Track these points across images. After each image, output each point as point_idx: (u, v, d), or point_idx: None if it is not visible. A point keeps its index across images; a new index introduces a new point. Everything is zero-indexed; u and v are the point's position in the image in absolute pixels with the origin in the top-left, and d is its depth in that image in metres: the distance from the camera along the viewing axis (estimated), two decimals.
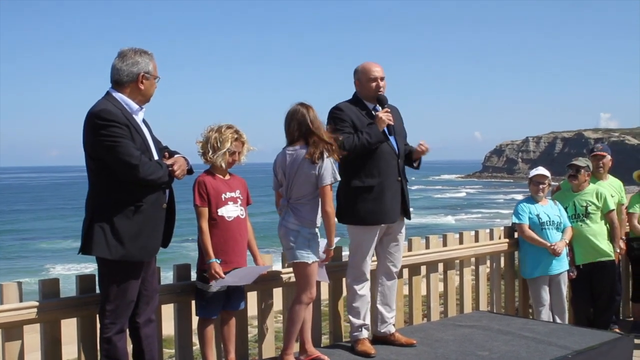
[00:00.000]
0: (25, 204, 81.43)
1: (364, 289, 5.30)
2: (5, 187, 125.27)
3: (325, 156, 4.69)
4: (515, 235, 7.12)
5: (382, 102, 5.24)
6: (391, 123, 5.16)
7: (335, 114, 5.15)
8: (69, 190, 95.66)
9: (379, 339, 5.45)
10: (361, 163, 5.14)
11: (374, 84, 5.22)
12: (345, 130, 5.05)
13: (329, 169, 4.71)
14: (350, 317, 5.33)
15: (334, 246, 4.88)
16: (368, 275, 5.32)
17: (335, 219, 4.91)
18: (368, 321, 5.35)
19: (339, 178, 4.77)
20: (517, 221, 6.92)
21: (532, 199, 6.98)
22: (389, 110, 5.19)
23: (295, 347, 5.07)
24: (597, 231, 6.99)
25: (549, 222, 6.83)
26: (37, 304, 4.09)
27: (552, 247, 6.73)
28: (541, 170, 7.07)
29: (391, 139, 5.24)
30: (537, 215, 6.84)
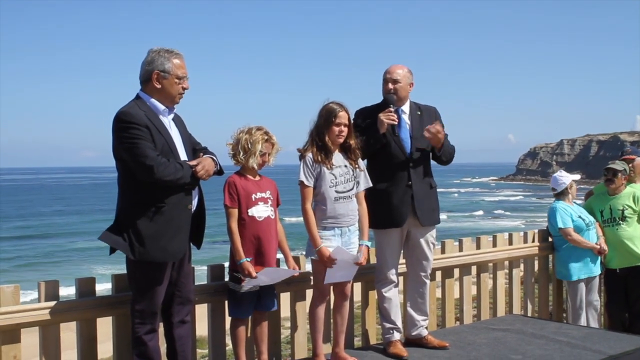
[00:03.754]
0: (63, 204, 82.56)
1: (390, 292, 5.31)
2: (42, 187, 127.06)
3: (306, 155, 4.89)
4: (550, 238, 7.06)
5: (388, 102, 5.24)
6: (392, 123, 5.15)
7: (353, 118, 5.18)
8: (106, 190, 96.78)
9: (411, 342, 5.45)
10: (373, 167, 5.20)
11: (385, 86, 5.28)
12: (357, 135, 5.11)
13: (300, 167, 4.86)
14: (382, 320, 5.35)
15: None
16: (394, 278, 5.33)
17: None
18: (399, 323, 5.35)
19: (300, 178, 4.83)
20: (562, 225, 6.82)
21: (564, 201, 6.94)
22: (392, 110, 5.18)
23: (328, 348, 5.11)
24: (633, 235, 6.90)
25: (590, 222, 6.87)
26: (73, 302, 4.17)
27: (599, 245, 6.76)
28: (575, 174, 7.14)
29: (406, 142, 5.25)
30: (580, 217, 6.82)
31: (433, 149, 5.30)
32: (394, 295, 5.34)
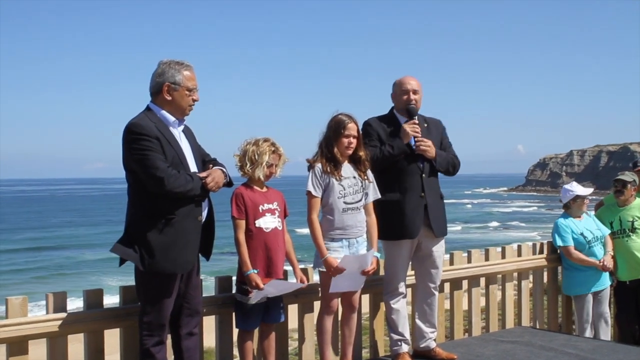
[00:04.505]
0: (73, 215, 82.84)
1: (398, 303, 5.29)
2: (52, 198, 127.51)
3: (315, 165, 4.89)
4: (559, 251, 7.03)
5: (411, 113, 5.23)
6: (417, 135, 5.15)
7: (364, 129, 5.18)
8: (116, 202, 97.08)
9: (419, 354, 5.43)
10: (384, 178, 5.16)
11: (405, 97, 5.24)
12: (371, 144, 5.11)
13: (309, 177, 4.86)
14: (390, 332, 5.33)
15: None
16: (403, 290, 5.31)
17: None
18: (407, 335, 5.33)
19: (307, 188, 4.83)
20: (561, 243, 6.78)
21: (569, 215, 6.88)
22: (417, 122, 5.18)
23: None
24: None
25: (594, 238, 6.73)
26: (81, 314, 4.17)
27: (602, 263, 6.65)
28: (588, 188, 7.01)
29: (417, 153, 5.22)
30: (582, 234, 6.73)
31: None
32: (402, 307, 5.33)
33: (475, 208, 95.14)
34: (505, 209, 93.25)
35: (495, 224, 69.60)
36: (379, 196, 5.08)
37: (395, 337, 5.29)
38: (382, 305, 5.64)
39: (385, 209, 5.13)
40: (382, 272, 5.44)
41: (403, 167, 5.19)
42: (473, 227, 65.21)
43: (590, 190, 7.08)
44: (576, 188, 6.94)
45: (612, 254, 6.80)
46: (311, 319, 5.25)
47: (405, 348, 5.30)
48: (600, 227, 6.88)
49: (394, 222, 5.15)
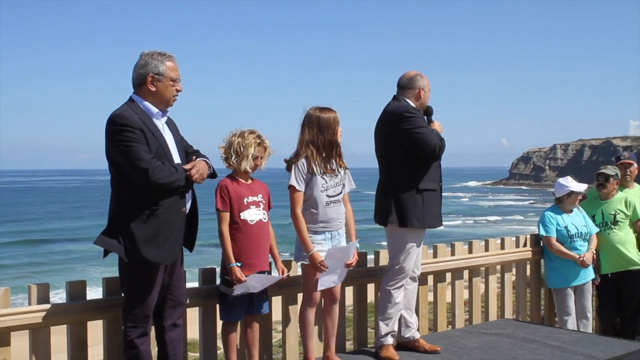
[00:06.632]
0: (57, 207, 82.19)
1: (401, 296, 5.31)
2: (36, 190, 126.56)
3: (298, 160, 4.85)
4: (542, 243, 7.06)
5: (430, 112, 5.34)
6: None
7: (414, 114, 5.14)
8: (101, 193, 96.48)
9: (403, 345, 5.45)
10: (427, 167, 5.18)
11: (429, 94, 5.33)
12: (426, 128, 5.13)
13: (292, 173, 4.84)
14: (381, 323, 5.30)
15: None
16: (405, 282, 5.34)
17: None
18: (396, 328, 5.36)
19: (290, 182, 4.82)
20: (544, 233, 6.83)
21: (559, 209, 6.90)
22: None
23: (320, 352, 5.10)
24: (625, 239, 6.91)
25: (577, 234, 6.75)
26: (63, 305, 4.15)
27: (581, 258, 6.67)
28: (582, 184, 6.98)
29: None
30: (566, 227, 6.76)
31: None
32: (402, 299, 5.33)
33: (472, 201, 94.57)
34: (502, 202, 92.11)
35: (498, 218, 68.48)
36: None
37: (386, 329, 5.28)
38: (366, 297, 5.66)
39: (426, 198, 5.16)
40: (379, 262, 5.45)
41: None
42: (474, 220, 64.63)
43: (584, 186, 7.04)
44: (571, 184, 6.89)
45: (594, 251, 6.83)
46: (295, 310, 5.25)
47: (390, 340, 5.32)
48: (588, 224, 6.88)
49: (433, 209, 5.22)
